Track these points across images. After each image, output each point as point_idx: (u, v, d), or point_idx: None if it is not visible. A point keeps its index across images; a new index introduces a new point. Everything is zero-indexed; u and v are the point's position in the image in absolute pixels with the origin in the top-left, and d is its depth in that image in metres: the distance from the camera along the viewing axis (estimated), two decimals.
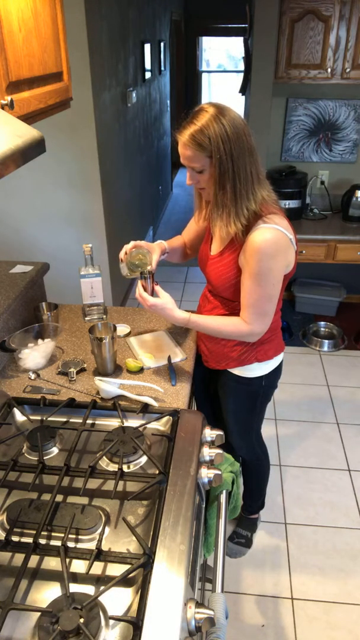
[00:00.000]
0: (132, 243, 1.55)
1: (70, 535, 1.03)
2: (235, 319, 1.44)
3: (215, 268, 1.46)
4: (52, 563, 0.99)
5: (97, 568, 0.98)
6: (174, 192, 6.94)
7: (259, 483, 2.01)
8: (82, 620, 0.84)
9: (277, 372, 1.64)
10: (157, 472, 1.13)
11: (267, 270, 1.32)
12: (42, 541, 1.01)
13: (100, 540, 0.98)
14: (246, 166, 1.27)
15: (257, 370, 1.58)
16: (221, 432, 1.30)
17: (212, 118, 1.22)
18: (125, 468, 1.19)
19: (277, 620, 1.80)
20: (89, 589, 0.94)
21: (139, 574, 0.94)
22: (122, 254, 1.55)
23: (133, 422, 1.32)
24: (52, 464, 1.19)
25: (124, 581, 0.92)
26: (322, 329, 3.56)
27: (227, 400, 1.70)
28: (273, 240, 1.29)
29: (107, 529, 1.05)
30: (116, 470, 1.14)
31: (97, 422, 1.36)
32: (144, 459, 1.22)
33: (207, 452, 1.23)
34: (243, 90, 3.75)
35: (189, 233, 1.70)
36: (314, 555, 2.03)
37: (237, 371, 1.59)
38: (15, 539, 1.03)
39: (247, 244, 1.31)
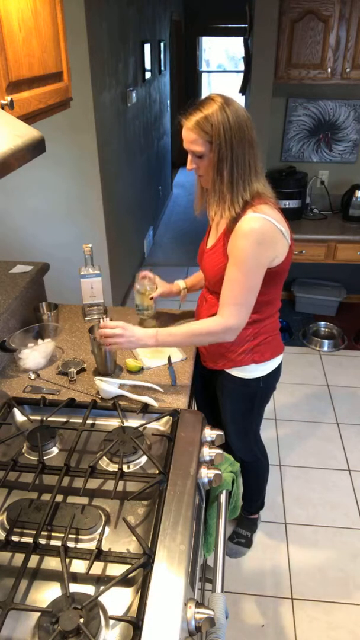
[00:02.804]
0: (143, 272, 1.69)
1: (70, 535, 1.03)
2: (208, 319, 1.43)
3: (209, 260, 1.47)
4: (52, 563, 0.99)
5: (97, 568, 0.98)
6: (174, 192, 6.94)
7: (258, 483, 2.01)
8: (82, 620, 0.84)
9: (275, 374, 1.63)
10: (157, 472, 1.13)
11: (250, 258, 1.32)
12: (42, 541, 1.01)
13: (100, 540, 0.98)
14: (245, 156, 1.29)
15: (254, 371, 1.57)
16: (221, 432, 1.30)
17: (218, 107, 1.26)
18: (125, 468, 1.19)
19: (277, 620, 1.80)
20: (89, 589, 0.94)
21: (139, 574, 0.94)
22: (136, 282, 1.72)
23: (133, 422, 1.32)
24: (52, 464, 1.19)
25: (124, 581, 0.92)
26: (322, 329, 3.56)
27: (225, 401, 1.70)
28: (259, 229, 1.30)
29: (107, 529, 1.05)
30: (116, 470, 1.14)
31: (97, 422, 1.36)
32: (144, 459, 1.22)
33: (207, 452, 1.23)
34: (243, 90, 3.75)
35: None
36: (314, 555, 2.03)
37: (235, 372, 1.59)
38: (15, 539, 1.02)
39: (234, 232, 1.33)
